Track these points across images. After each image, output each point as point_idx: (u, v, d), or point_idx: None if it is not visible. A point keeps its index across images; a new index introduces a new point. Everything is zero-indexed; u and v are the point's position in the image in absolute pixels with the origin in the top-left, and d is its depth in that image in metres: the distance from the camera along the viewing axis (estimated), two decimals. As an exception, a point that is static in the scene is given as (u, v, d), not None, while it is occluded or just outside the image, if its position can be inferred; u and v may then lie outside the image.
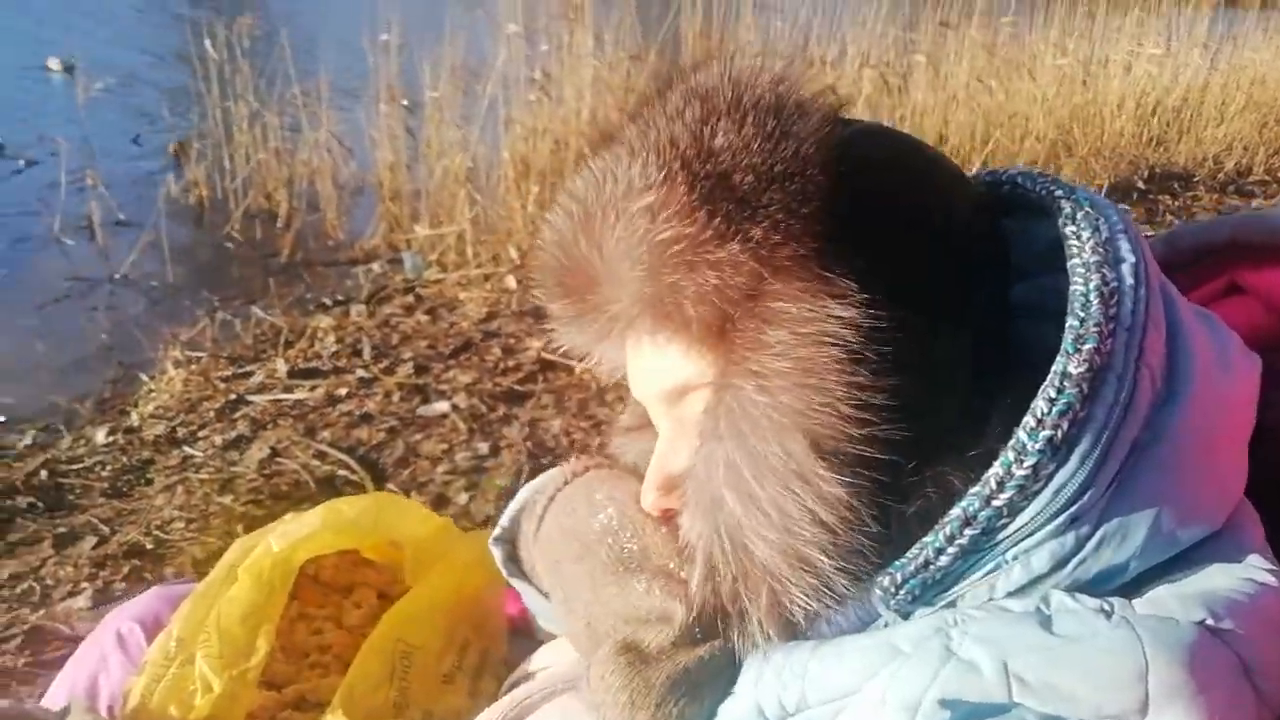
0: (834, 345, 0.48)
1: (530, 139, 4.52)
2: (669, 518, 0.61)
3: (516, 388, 2.73)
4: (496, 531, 0.71)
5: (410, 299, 3.65)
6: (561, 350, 0.63)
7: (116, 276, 4.07)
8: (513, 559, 0.71)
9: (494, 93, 4.59)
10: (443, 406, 2.60)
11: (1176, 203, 5.96)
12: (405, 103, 5.18)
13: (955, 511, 0.50)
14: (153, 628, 0.74)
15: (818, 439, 0.49)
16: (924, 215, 0.55)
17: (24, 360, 3.41)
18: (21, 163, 5.46)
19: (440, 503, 2.25)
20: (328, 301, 4.07)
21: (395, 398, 2.66)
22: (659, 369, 0.56)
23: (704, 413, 0.54)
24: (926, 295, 0.53)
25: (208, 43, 4.84)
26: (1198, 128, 7.20)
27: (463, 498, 2.27)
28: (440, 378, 2.80)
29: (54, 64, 6.74)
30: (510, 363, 2.89)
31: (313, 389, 2.71)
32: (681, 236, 0.50)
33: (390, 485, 2.30)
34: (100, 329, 3.65)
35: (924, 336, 0.52)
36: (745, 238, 0.49)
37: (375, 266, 4.45)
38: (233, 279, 4.21)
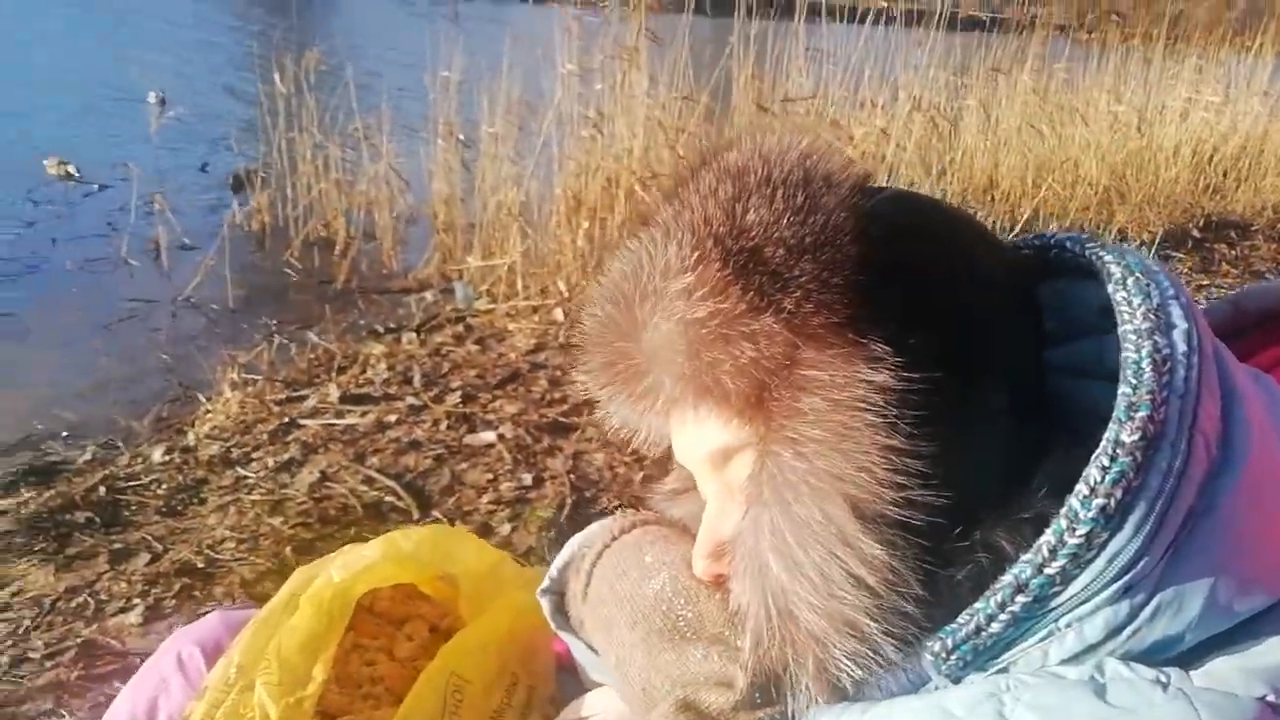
0: (867, 410, 0.49)
1: (582, 175, 4.59)
2: (721, 583, 0.61)
3: (561, 420, 2.76)
4: (544, 583, 0.72)
5: (460, 328, 3.71)
6: (611, 429, 0.64)
7: (179, 299, 4.21)
8: (560, 610, 0.73)
9: (548, 130, 4.68)
10: (489, 436, 2.64)
11: (1233, 252, 5.84)
12: (462, 138, 5.31)
13: (1007, 578, 0.51)
14: (213, 652, 0.76)
15: (857, 503, 0.50)
16: (953, 279, 0.56)
17: (88, 377, 3.53)
18: (95, 187, 5.70)
19: (484, 532, 2.27)
20: (380, 329, 4.15)
21: (443, 426, 2.70)
22: (702, 437, 0.58)
23: (748, 479, 0.55)
24: (959, 357, 0.53)
25: (276, 76, 5.02)
26: (1256, 176, 7.06)
27: (506, 528, 2.28)
28: (487, 407, 2.84)
29: (151, 97, 7.10)
30: (556, 395, 2.92)
31: (363, 415, 2.76)
32: (717, 313, 0.51)
33: (435, 513, 2.33)
34: (161, 349, 3.76)
35: (958, 399, 0.52)
36: (778, 309, 0.51)
37: (428, 295, 4.54)
38: (290, 304, 4.32)
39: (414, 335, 3.82)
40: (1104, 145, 6.59)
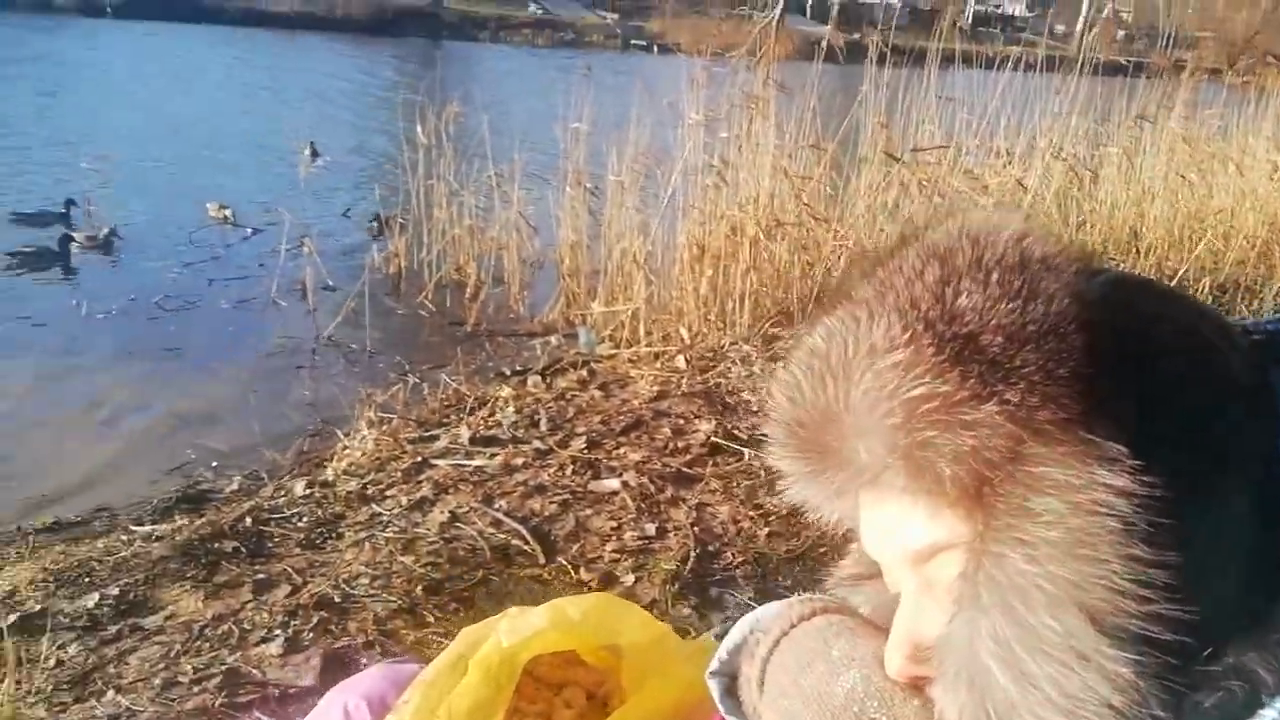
0: (1108, 515, 0.45)
1: (706, 223, 4.60)
2: (919, 686, 0.57)
3: (685, 470, 2.73)
4: (713, 665, 0.69)
5: (584, 373, 3.74)
6: (787, 500, 0.61)
7: (321, 338, 4.44)
8: (731, 694, 0.69)
9: (674, 179, 4.74)
10: (613, 484, 2.63)
11: None
12: (590, 186, 5.44)
13: (1268, 714, 0.44)
14: (379, 707, 0.76)
15: (1096, 614, 0.45)
16: (1188, 369, 0.51)
17: (237, 410, 3.75)
18: (249, 230, 6.12)
19: (607, 582, 2.25)
20: (506, 371, 4.25)
21: (568, 471, 2.72)
22: (905, 527, 0.54)
23: (960, 579, 0.50)
24: (1197, 456, 0.48)
25: (419, 128, 5.28)
26: None
27: (629, 578, 2.26)
28: (611, 454, 2.84)
29: (304, 148, 7.66)
30: (679, 443, 2.89)
31: (492, 457, 2.81)
32: (935, 394, 0.47)
33: (560, 559, 2.33)
34: (304, 386, 3.97)
35: (1198, 501, 0.47)
36: (1001, 400, 0.47)
37: (552, 339, 4.64)
38: (423, 345, 4.49)
39: (539, 378, 3.89)
40: (1262, 195, 6.16)
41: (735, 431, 2.95)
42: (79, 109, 10.79)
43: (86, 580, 2.26)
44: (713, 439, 2.87)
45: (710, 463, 2.77)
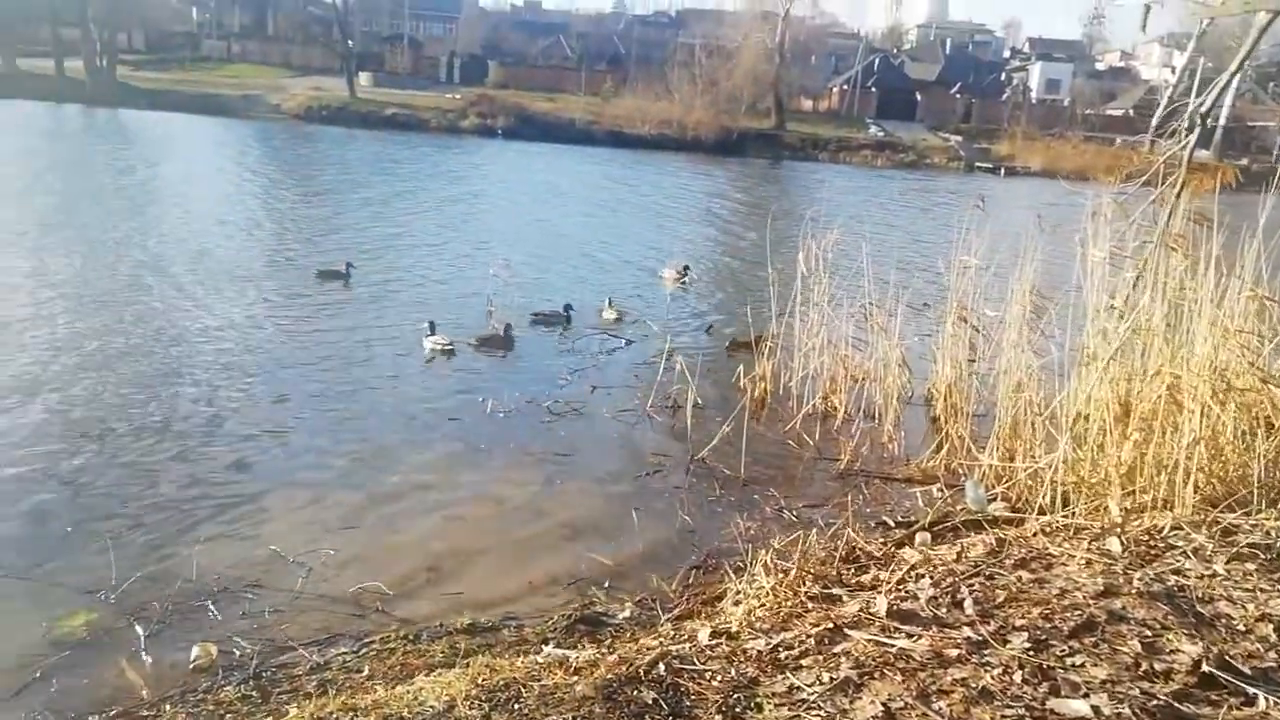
0: None
1: (1134, 379, 4.01)
2: None
3: (1175, 705, 2.19)
4: None
5: (991, 541, 3.30)
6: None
7: (694, 459, 4.39)
8: None
9: (1073, 319, 4.23)
10: (1082, 708, 2.17)
11: None
12: (974, 324, 5.03)
13: None
14: None
15: None
16: None
17: (621, 526, 3.74)
18: (623, 341, 6.41)
19: None
20: (889, 521, 3.91)
21: (1016, 677, 2.30)
22: None
23: None
24: None
25: (800, 255, 5.22)
26: None
27: None
28: (1065, 662, 2.37)
29: (667, 271, 8.10)
30: (1155, 664, 2.35)
31: (915, 639, 2.47)
32: None
33: (1028, 800, 1.92)
34: (683, 509, 3.88)
35: None
36: None
37: (934, 490, 4.22)
38: (796, 479, 4.27)
39: (927, 535, 3.53)
40: None
41: (1230, 659, 2.35)
42: (482, 216, 12.43)
43: (517, 706, 2.23)
44: (1206, 668, 2.30)
45: (1207, 700, 2.21)
